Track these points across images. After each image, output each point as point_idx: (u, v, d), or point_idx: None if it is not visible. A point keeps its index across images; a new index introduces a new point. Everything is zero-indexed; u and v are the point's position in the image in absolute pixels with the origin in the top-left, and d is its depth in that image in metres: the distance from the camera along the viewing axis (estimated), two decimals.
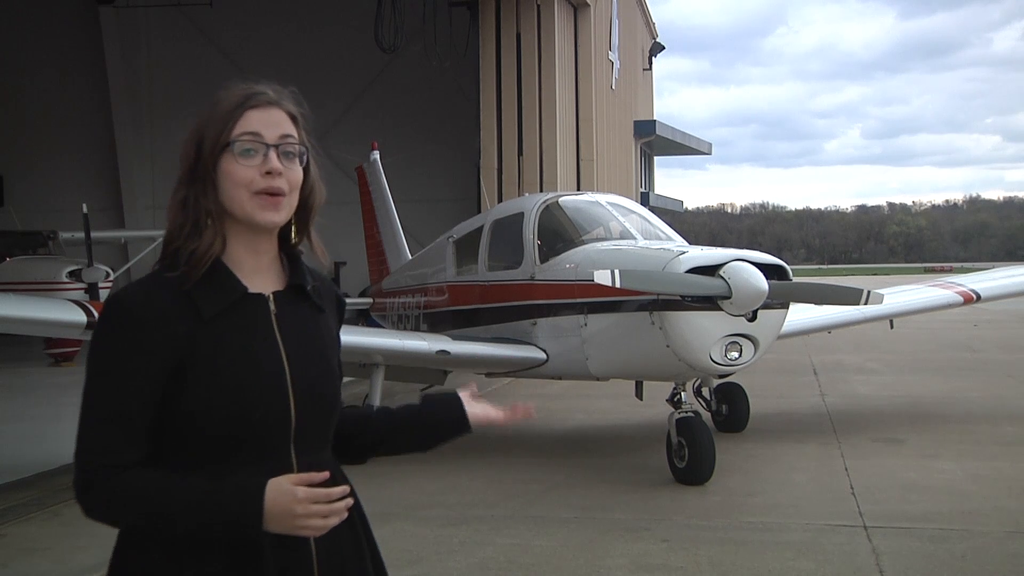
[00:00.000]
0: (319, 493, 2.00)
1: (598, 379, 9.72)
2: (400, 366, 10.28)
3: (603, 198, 10.58)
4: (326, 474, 2.04)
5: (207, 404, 2.06)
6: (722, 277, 7.82)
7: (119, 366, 2.07)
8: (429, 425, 2.46)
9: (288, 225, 2.23)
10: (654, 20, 41.01)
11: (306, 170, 2.21)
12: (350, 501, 2.07)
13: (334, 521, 2.04)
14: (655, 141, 38.86)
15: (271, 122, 2.14)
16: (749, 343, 8.10)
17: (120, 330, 2.08)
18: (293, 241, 2.26)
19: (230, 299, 2.12)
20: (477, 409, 2.46)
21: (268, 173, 2.11)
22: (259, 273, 2.20)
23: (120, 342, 2.08)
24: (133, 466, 2.05)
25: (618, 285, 7.73)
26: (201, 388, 2.06)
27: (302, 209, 2.23)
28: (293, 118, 2.19)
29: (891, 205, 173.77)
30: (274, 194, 2.13)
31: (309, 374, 2.18)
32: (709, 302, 7.90)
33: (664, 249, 8.77)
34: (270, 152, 2.12)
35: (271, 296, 2.20)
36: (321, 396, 2.20)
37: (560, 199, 10.43)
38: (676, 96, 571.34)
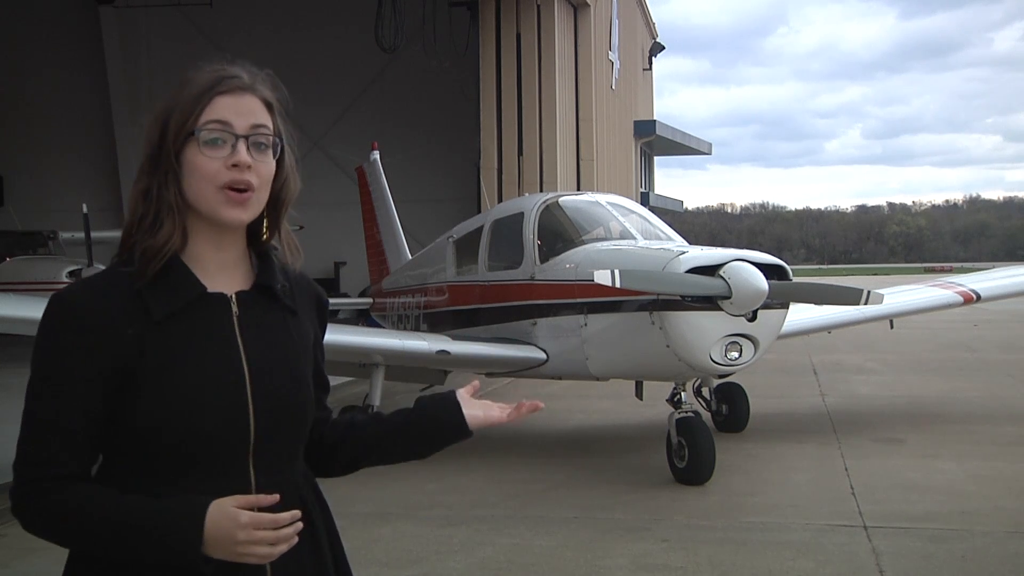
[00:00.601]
0: (264, 519, 1.82)
1: (598, 379, 9.72)
2: (400, 366, 10.28)
3: (603, 198, 10.57)
4: (275, 497, 1.87)
5: (156, 414, 1.89)
6: (722, 277, 7.82)
7: (58, 371, 1.90)
8: (423, 430, 2.20)
9: (259, 220, 2.04)
10: (654, 20, 41.03)
11: (280, 161, 2.03)
12: (299, 526, 1.86)
13: (281, 549, 1.84)
14: (655, 141, 38.86)
15: (242, 110, 1.96)
16: (749, 343, 8.10)
17: (60, 332, 1.91)
18: (264, 238, 2.07)
19: (184, 299, 1.94)
20: (476, 410, 2.18)
21: (235, 166, 1.93)
22: (224, 271, 2.02)
23: (59, 345, 1.91)
24: (73, 480, 1.88)
25: (618, 285, 7.73)
26: (149, 396, 1.89)
27: (273, 203, 2.05)
28: (268, 105, 2.01)
29: (891, 205, 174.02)
30: (241, 190, 1.94)
31: (273, 383, 1.98)
32: (709, 302, 7.90)
33: (664, 249, 8.77)
34: (239, 143, 1.94)
35: (234, 296, 2.01)
36: (286, 408, 2.00)
37: (560, 199, 10.43)
38: (677, 96, 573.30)
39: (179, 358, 1.92)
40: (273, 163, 2.01)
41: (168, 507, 1.85)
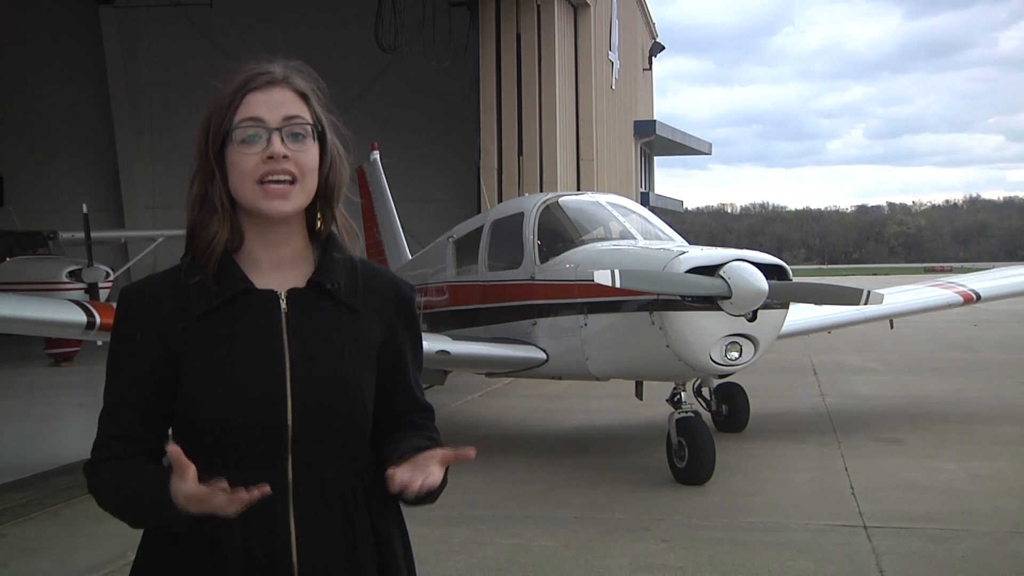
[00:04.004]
0: (193, 496, 1.86)
1: (598, 379, 9.72)
2: None
3: (603, 198, 10.58)
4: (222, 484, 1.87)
5: (193, 403, 1.99)
6: (722, 277, 7.82)
7: (116, 360, 2.06)
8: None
9: (313, 211, 2.09)
10: (654, 20, 41.07)
11: (323, 146, 2.07)
12: (244, 497, 1.86)
13: (235, 507, 1.87)
14: (655, 141, 38.86)
15: (274, 103, 2.01)
16: (749, 343, 8.10)
17: (118, 325, 2.08)
18: (318, 228, 2.10)
19: (223, 296, 2.02)
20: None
21: (270, 158, 1.98)
22: (278, 268, 2.08)
23: (117, 338, 2.07)
24: (130, 459, 2.02)
25: (618, 285, 7.73)
26: (188, 386, 2.00)
27: (323, 190, 2.08)
28: (302, 95, 2.05)
29: (891, 205, 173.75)
30: (279, 181, 1.99)
31: (316, 380, 2.01)
32: (709, 302, 7.90)
33: (664, 249, 8.77)
34: (272, 136, 1.98)
35: (284, 294, 2.05)
36: (328, 405, 2.01)
37: (560, 199, 10.43)
38: (680, 96, 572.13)
39: (216, 351, 2.00)
40: (314, 151, 2.05)
41: (158, 476, 1.95)
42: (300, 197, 2.03)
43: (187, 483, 1.87)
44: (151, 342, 2.02)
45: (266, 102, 2.01)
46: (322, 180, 2.07)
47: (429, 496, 2.04)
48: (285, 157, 1.99)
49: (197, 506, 1.89)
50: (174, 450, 1.88)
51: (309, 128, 2.04)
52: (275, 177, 1.99)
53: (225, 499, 1.87)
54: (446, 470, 2.04)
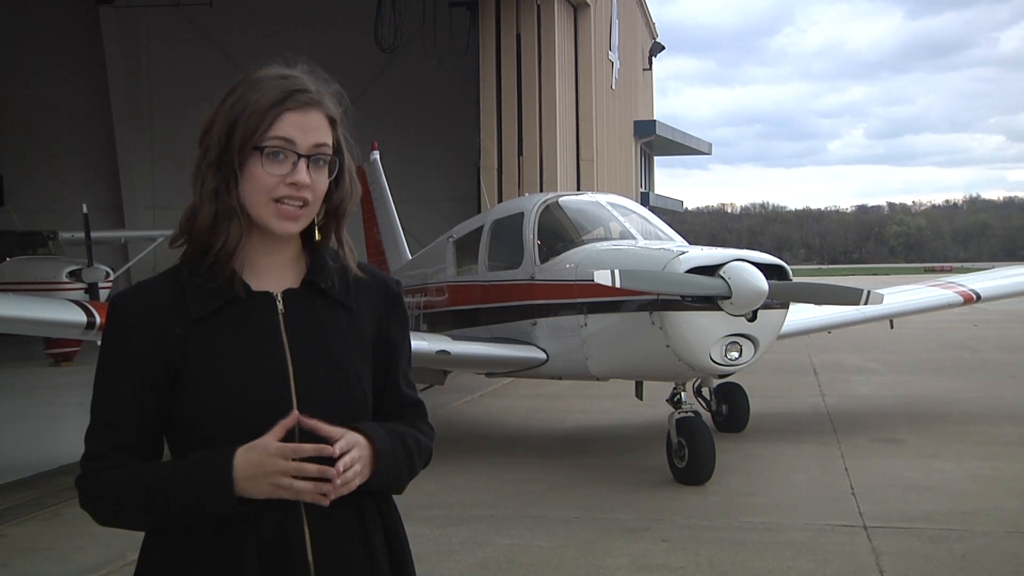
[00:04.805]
0: (287, 447, 1.86)
1: (598, 379, 9.72)
2: None
3: (603, 198, 10.58)
4: (313, 423, 1.90)
5: (198, 408, 1.98)
6: (722, 277, 7.83)
7: (110, 370, 2.03)
8: None
9: (312, 224, 2.11)
10: (654, 20, 41.07)
11: (340, 177, 2.08)
12: (332, 476, 1.86)
13: (303, 485, 1.86)
14: (655, 141, 38.85)
15: (307, 127, 2.01)
16: (749, 343, 8.10)
17: (111, 333, 2.04)
18: (316, 242, 2.12)
19: (222, 299, 2.01)
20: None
21: (292, 184, 1.99)
22: (273, 271, 2.08)
23: (110, 346, 2.04)
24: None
25: (618, 285, 7.74)
26: (192, 391, 1.98)
27: (333, 214, 2.11)
28: (331, 120, 2.06)
29: (891, 205, 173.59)
30: (293, 204, 2.01)
31: (319, 379, 2.02)
32: (709, 302, 7.91)
33: (664, 249, 8.77)
34: (300, 163, 1.99)
35: (279, 295, 2.06)
36: (333, 404, 2.01)
37: (560, 199, 10.43)
38: (681, 96, 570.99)
39: (219, 356, 1.99)
40: (327, 179, 2.06)
41: (197, 457, 1.94)
42: (307, 219, 2.06)
43: (274, 438, 1.87)
44: (149, 349, 1.99)
45: (300, 125, 2.01)
46: (335, 206, 2.11)
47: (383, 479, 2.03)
48: (307, 186, 2.01)
49: (275, 465, 1.85)
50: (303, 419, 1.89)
51: (331, 158, 2.06)
52: (291, 202, 2.01)
53: (315, 468, 1.85)
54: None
